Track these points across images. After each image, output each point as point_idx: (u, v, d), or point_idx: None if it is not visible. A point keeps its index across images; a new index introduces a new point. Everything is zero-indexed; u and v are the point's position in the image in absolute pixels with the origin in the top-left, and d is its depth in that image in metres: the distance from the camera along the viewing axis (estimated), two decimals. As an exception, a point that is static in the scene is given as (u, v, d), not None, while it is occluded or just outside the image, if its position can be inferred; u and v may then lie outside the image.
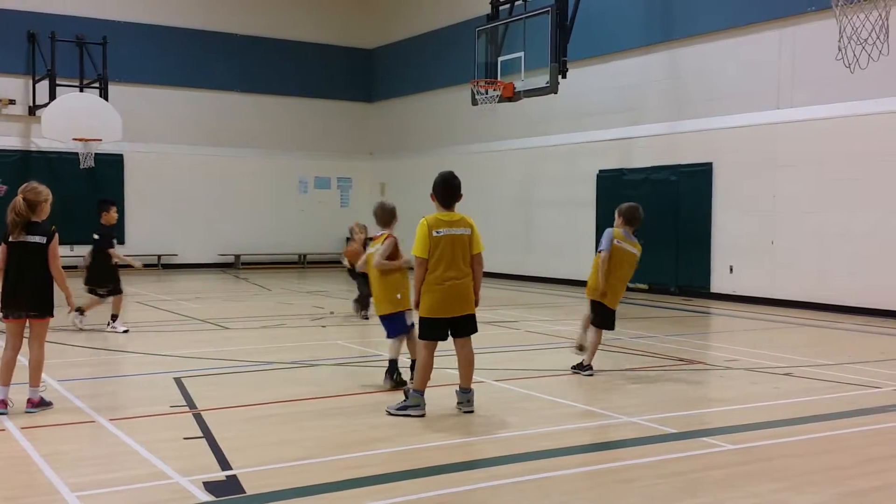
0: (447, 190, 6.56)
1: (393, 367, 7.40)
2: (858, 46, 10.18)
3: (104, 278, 11.04)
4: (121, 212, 23.67)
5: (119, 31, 22.51)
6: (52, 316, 6.62)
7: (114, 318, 11.02)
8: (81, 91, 21.27)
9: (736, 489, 4.85)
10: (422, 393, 6.47)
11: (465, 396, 6.62)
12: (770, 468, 5.34)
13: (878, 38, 10.08)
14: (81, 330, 10.87)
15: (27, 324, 6.56)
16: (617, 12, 17.90)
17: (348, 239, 13.98)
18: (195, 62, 24.06)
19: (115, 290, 11.05)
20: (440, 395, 7.27)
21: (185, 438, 5.74)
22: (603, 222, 18.63)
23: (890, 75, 12.96)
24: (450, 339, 6.58)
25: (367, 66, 26.88)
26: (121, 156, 22.85)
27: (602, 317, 8.38)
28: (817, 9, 13.80)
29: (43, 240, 6.50)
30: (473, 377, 6.64)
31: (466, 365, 6.59)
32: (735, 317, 13.76)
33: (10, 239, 6.51)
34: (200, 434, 5.85)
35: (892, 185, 13.43)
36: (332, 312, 13.52)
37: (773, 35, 15.23)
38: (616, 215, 8.62)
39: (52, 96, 20.77)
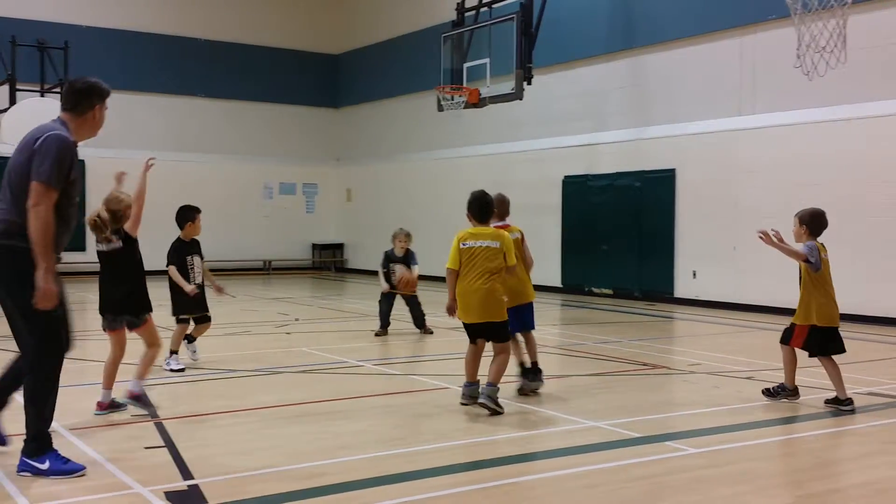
0: (480, 208, 7.09)
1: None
2: (817, 54, 10.35)
3: (178, 304, 9.00)
4: (83, 218, 23.42)
5: (81, 36, 22.22)
6: (149, 313, 6.64)
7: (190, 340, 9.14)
8: (42, 96, 20.98)
9: (699, 493, 4.89)
10: (469, 384, 6.86)
11: (488, 390, 6.82)
12: (732, 472, 5.39)
13: (835, 46, 10.25)
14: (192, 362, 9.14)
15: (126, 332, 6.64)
16: (581, 20, 18.03)
17: (389, 260, 11.68)
18: (158, 67, 23.85)
19: (200, 318, 9.10)
20: (410, 402, 7.30)
21: (146, 448, 5.67)
22: (568, 228, 18.76)
23: (847, 83, 13.18)
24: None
25: (333, 71, 26.81)
26: (83, 161, 22.52)
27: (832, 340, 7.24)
28: (777, 17, 14.00)
29: (120, 244, 6.56)
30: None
31: (497, 366, 6.90)
32: (698, 321, 13.89)
33: (97, 249, 6.62)
34: (162, 443, 5.78)
35: (850, 190, 13.65)
36: (297, 319, 13.45)
37: (734, 43, 15.43)
38: (797, 224, 7.74)
39: (13, 101, 20.44)
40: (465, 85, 17.27)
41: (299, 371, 8.75)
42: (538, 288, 20.25)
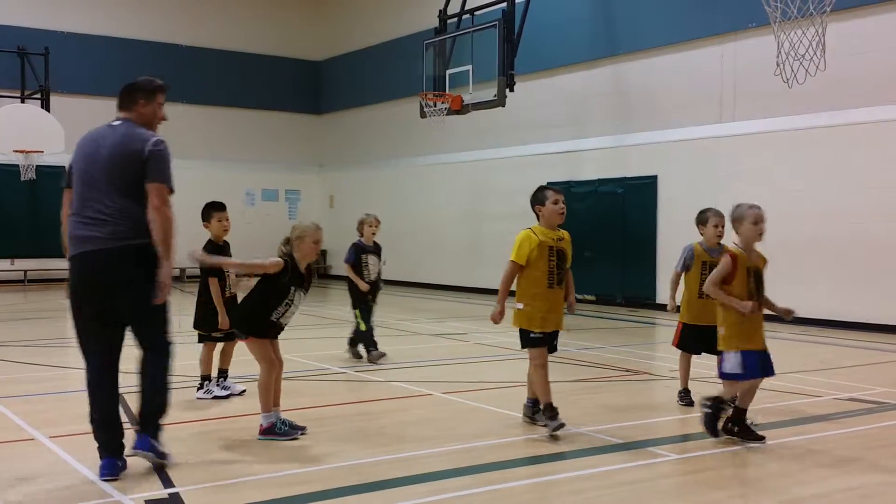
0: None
1: None
2: (796, 62, 10.42)
3: (204, 318, 7.99)
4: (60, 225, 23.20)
5: (61, 42, 22.11)
6: (245, 336, 6.35)
7: (221, 374, 7.94)
8: (23, 102, 20.85)
9: (683, 498, 4.90)
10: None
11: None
12: (715, 477, 5.41)
13: (814, 53, 10.32)
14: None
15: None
16: (563, 27, 18.10)
17: (362, 251, 9.79)
18: (139, 73, 23.22)
19: (226, 335, 7.81)
20: (392, 409, 7.28)
21: (126, 455, 5.61)
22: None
23: (826, 90, 13.29)
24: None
25: (316, 77, 26.78)
26: (63, 168, 22.40)
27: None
28: (757, 25, 14.10)
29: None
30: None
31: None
32: (680, 327, 13.90)
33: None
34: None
35: (830, 196, 13.76)
36: (279, 326, 13.38)
37: (714, 50, 15.53)
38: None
39: (-8, 107, 20.33)
40: (447, 92, 17.30)
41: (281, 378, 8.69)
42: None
